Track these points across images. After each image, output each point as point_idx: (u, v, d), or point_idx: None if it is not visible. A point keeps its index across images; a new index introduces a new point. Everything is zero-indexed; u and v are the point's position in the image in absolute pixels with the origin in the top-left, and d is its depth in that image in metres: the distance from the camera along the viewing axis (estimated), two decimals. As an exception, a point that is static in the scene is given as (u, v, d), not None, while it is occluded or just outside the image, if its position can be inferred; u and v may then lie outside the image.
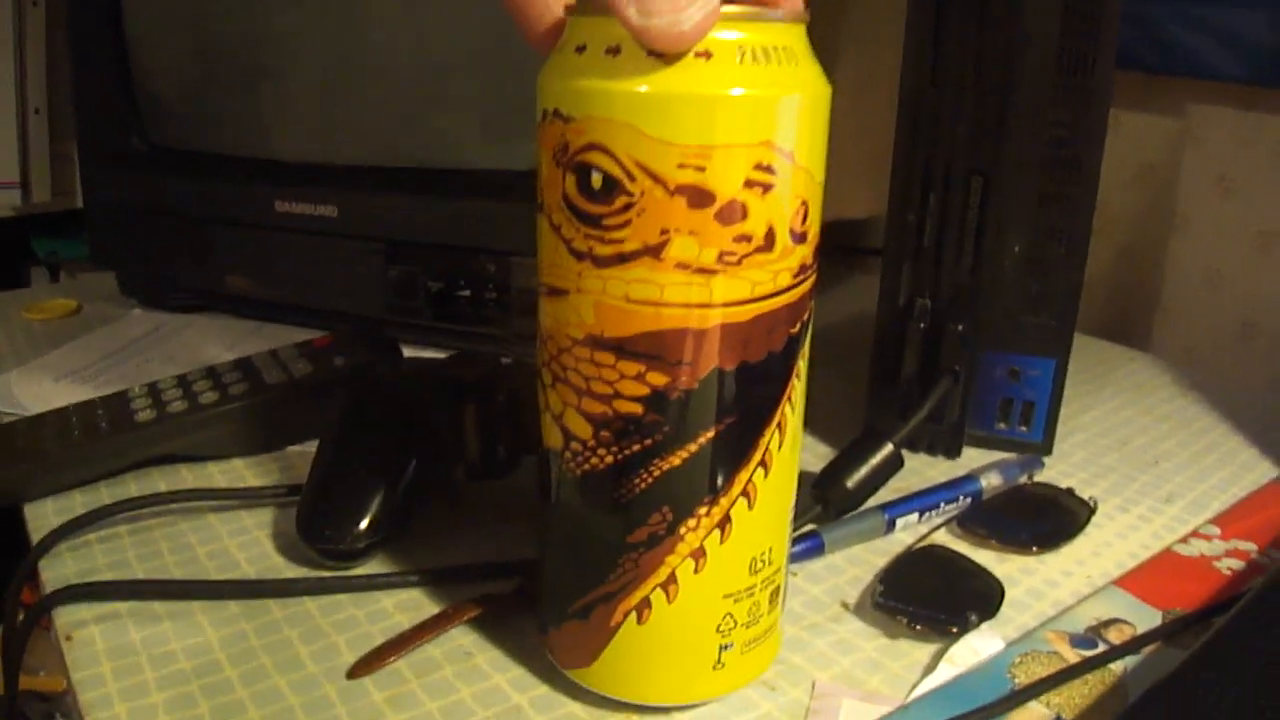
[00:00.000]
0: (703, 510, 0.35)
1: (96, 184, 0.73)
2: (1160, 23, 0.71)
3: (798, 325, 0.35)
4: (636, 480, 0.35)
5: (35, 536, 0.49)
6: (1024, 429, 0.57)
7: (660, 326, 0.33)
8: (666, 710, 0.39)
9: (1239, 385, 0.69)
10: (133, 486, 0.53)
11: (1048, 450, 0.57)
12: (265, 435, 0.55)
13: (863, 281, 0.57)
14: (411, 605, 0.44)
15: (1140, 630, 0.44)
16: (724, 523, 0.35)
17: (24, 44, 0.95)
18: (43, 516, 0.50)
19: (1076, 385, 0.67)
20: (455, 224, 0.60)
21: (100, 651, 0.41)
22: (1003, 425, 0.57)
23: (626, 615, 0.36)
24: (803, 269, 0.34)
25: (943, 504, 0.51)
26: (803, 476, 0.54)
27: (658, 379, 0.33)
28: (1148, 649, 0.43)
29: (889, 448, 0.51)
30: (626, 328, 0.33)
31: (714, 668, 0.37)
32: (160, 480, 0.54)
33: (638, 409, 0.34)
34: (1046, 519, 0.51)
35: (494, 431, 0.47)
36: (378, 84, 0.63)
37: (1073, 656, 0.42)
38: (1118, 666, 0.42)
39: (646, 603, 0.36)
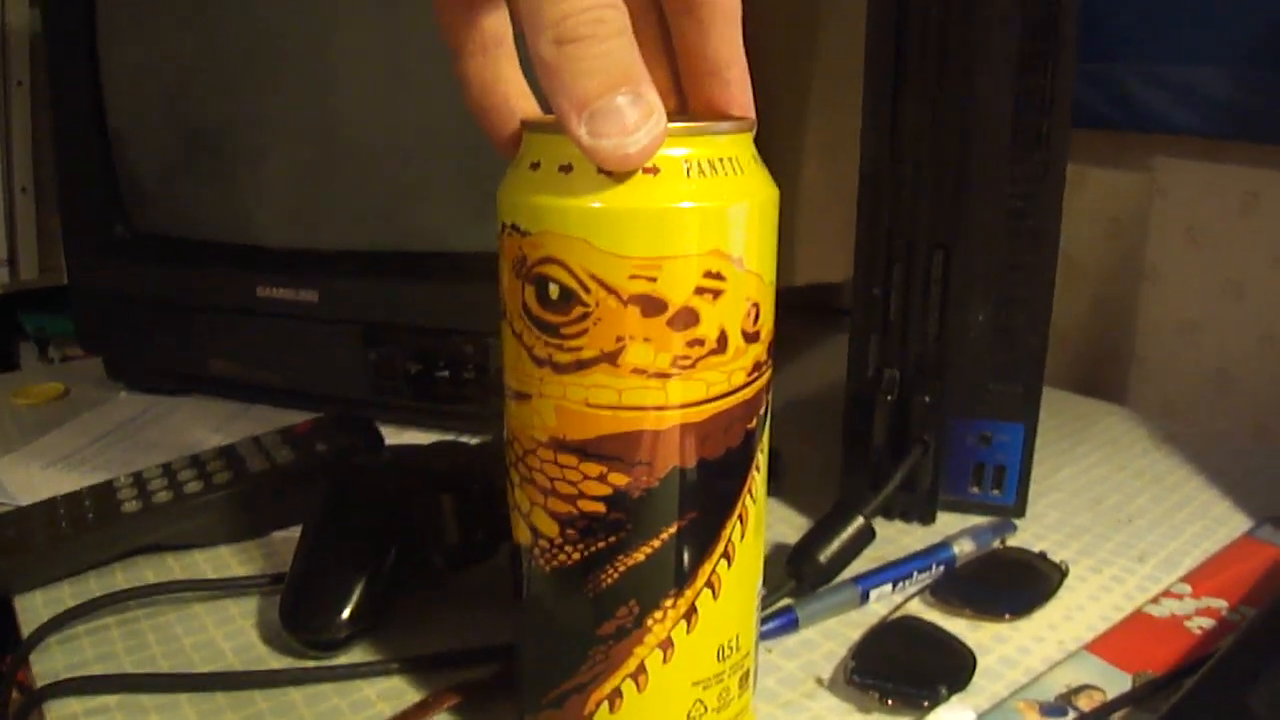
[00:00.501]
0: (669, 603, 0.36)
1: (81, 270, 0.75)
2: (1122, 80, 0.73)
3: (754, 420, 0.36)
4: (603, 575, 0.36)
5: (25, 629, 0.50)
6: (996, 493, 0.59)
7: (619, 429, 0.35)
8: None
9: (1214, 436, 0.71)
10: (119, 576, 0.54)
11: (1021, 512, 0.59)
12: (249, 522, 0.57)
13: (841, 342, 0.59)
14: (394, 694, 0.46)
15: (1110, 696, 0.45)
16: (690, 614, 0.37)
17: (9, 124, 0.97)
18: (32, 609, 0.52)
19: (1051, 443, 0.68)
20: (433, 306, 0.62)
21: (90, 747, 0.43)
22: (975, 489, 0.59)
23: (599, 705, 0.38)
24: (756, 366, 0.36)
25: (915, 573, 0.53)
26: (778, 549, 0.57)
27: (619, 479, 0.35)
28: (1117, 715, 0.44)
29: (860, 521, 0.52)
30: (588, 430, 0.35)
31: None
32: (147, 569, 0.55)
33: (601, 508, 0.35)
34: (1019, 585, 0.52)
35: (472, 518, 0.49)
36: (357, 170, 0.65)
37: (1043, 726, 0.43)
38: (1087, 735, 0.43)
39: (618, 693, 0.37)
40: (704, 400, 0.35)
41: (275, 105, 0.66)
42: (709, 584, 0.37)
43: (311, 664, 0.47)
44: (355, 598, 0.47)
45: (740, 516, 0.37)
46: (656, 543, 0.36)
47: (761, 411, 0.37)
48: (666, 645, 0.37)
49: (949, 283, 0.54)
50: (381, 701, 0.45)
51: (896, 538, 0.57)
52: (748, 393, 0.36)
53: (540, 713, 0.40)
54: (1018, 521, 0.58)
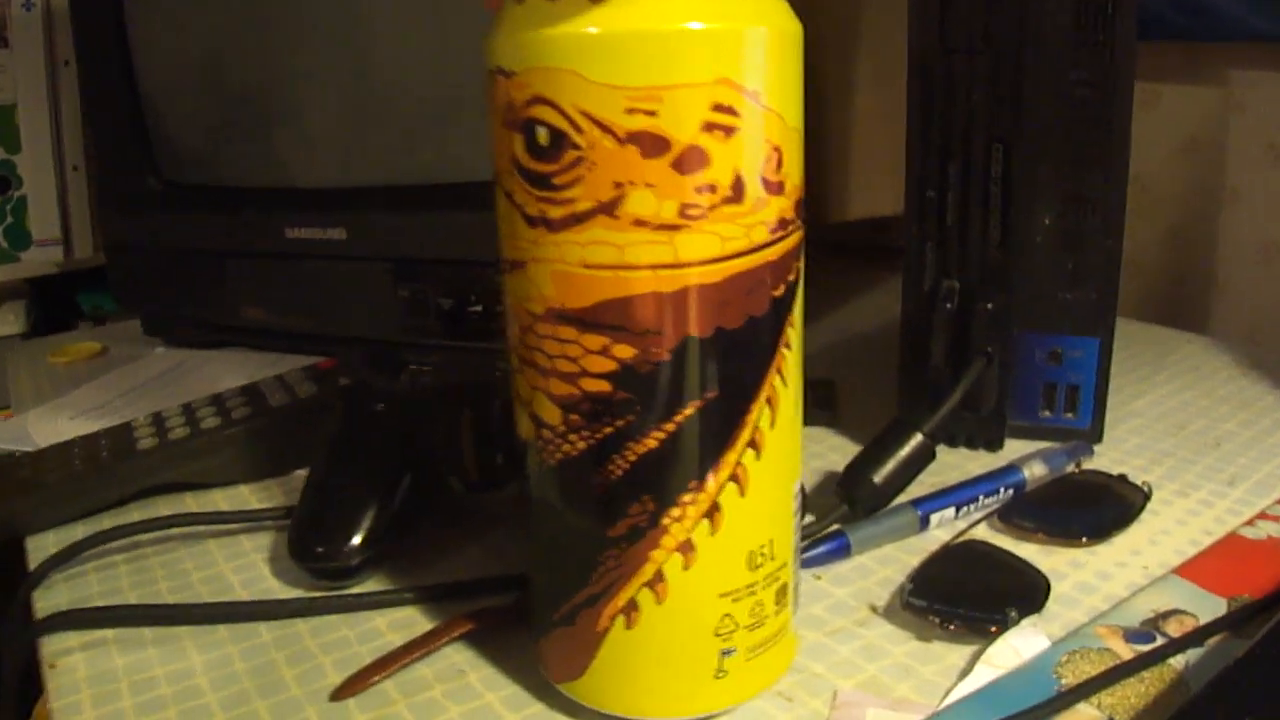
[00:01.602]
0: (687, 498, 0.31)
1: (114, 225, 0.72)
2: (1194, -13, 0.66)
3: (782, 287, 0.31)
4: (611, 467, 0.31)
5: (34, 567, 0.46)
6: (1070, 416, 0.52)
7: (622, 293, 0.29)
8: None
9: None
10: (135, 517, 0.50)
11: (1098, 437, 0.52)
12: (270, 458, 0.52)
13: (894, 282, 0.53)
14: (406, 624, 0.41)
15: (1203, 621, 0.39)
16: (713, 511, 0.31)
17: (59, 103, 0.95)
18: (43, 549, 0.48)
19: (1129, 371, 0.62)
20: (462, 239, 0.57)
21: (81, 679, 0.39)
22: (1047, 413, 0.52)
23: (614, 619, 0.33)
24: (783, 223, 0.30)
25: (982, 497, 0.46)
26: (829, 477, 0.51)
27: (625, 352, 0.30)
28: (1212, 640, 0.38)
29: (918, 438, 0.46)
30: (587, 297, 0.30)
31: (716, 676, 0.33)
32: (164, 509, 0.51)
33: (606, 387, 0.30)
34: (1097, 508, 0.46)
35: (491, 440, 0.44)
36: (381, 103, 0.61)
37: (1127, 653, 0.37)
38: (1178, 661, 0.37)
39: (634, 605, 0.32)
40: (719, 258, 0.29)
41: (299, 43, 0.62)
42: (734, 477, 0.31)
43: (322, 594, 0.42)
44: (366, 524, 0.43)
45: (769, 400, 0.31)
46: (670, 426, 0.30)
47: (791, 279, 0.31)
48: (687, 548, 0.31)
49: (1010, 181, 0.48)
50: (392, 632, 0.40)
51: (961, 464, 0.51)
52: (772, 253, 0.30)
53: (552, 632, 0.35)
54: (1095, 447, 0.52)
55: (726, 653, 0.33)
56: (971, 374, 0.48)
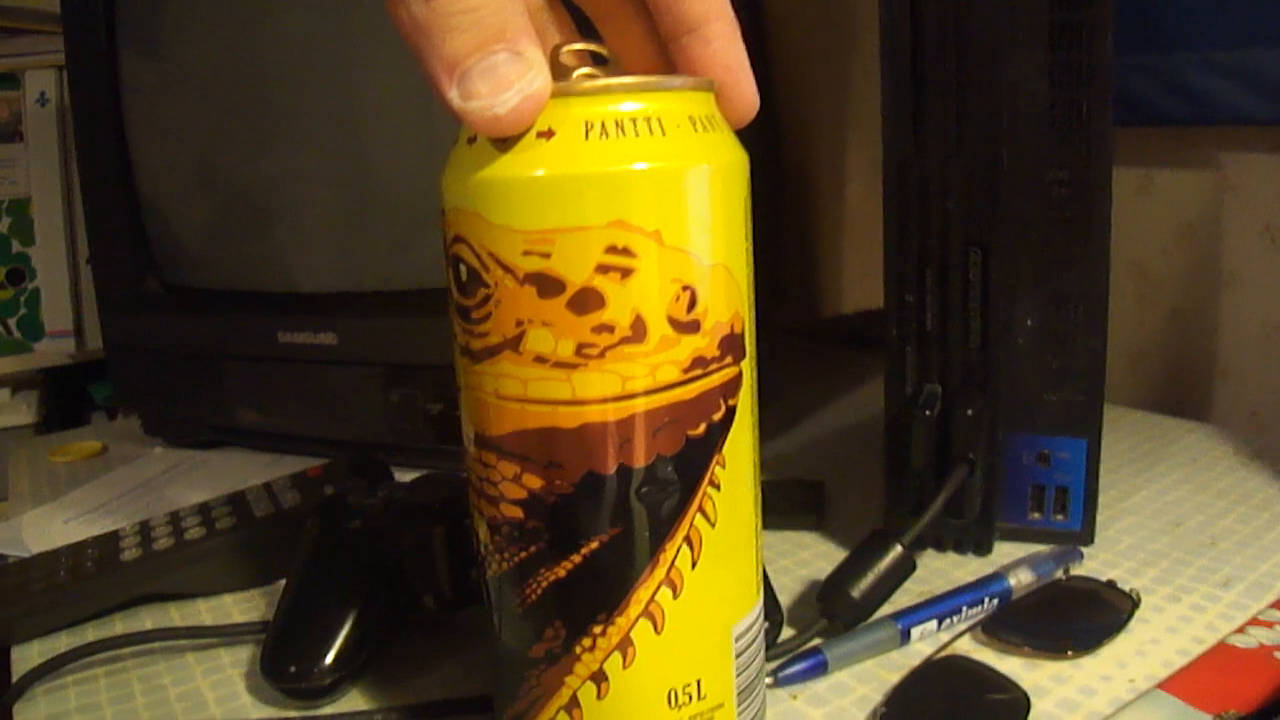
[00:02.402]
0: (597, 629, 0.31)
1: (115, 325, 0.73)
2: (1182, 72, 0.66)
3: (701, 425, 0.31)
4: (527, 590, 0.32)
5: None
6: (1060, 517, 0.51)
7: (526, 425, 0.30)
8: None
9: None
10: (119, 627, 0.50)
11: (1089, 539, 0.51)
12: (253, 569, 0.52)
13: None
14: (377, 747, 0.40)
15: (1188, 742, 0.38)
16: (624, 645, 0.31)
17: (72, 197, 0.97)
18: (27, 659, 0.48)
19: (1126, 464, 0.61)
20: (449, 344, 0.57)
21: (52, 800, 0.39)
22: (1037, 515, 0.52)
23: None
24: (699, 362, 0.30)
25: (965, 608, 0.46)
26: (813, 586, 0.50)
27: (533, 482, 0.30)
28: (1197, 763, 0.37)
29: (898, 550, 0.45)
30: (499, 425, 0.31)
31: None
32: (148, 620, 0.51)
33: (519, 513, 0.31)
34: (1084, 617, 0.45)
35: (465, 557, 0.43)
36: (373, 209, 0.61)
37: (1109, 778, 0.36)
38: (1162, 787, 0.36)
39: None
40: (619, 396, 0.29)
41: (293, 148, 0.63)
42: (647, 614, 0.31)
43: (295, 714, 0.42)
44: (339, 642, 0.42)
45: (688, 540, 0.31)
46: (577, 558, 0.31)
47: (717, 418, 0.31)
48: (600, 678, 0.31)
49: (989, 284, 0.48)
50: (363, 756, 0.40)
51: (948, 571, 0.50)
52: (684, 392, 0.30)
53: None
54: (1085, 550, 0.51)
55: None
56: (953, 483, 0.47)
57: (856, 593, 0.44)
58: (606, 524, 0.30)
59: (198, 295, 0.70)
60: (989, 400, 0.48)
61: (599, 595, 0.31)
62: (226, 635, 0.47)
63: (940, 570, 0.50)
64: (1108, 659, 0.43)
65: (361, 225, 0.62)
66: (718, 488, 0.31)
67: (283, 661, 0.42)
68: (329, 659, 0.42)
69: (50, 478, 0.72)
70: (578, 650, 0.31)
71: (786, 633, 0.45)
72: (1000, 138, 0.47)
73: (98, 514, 0.63)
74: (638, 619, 0.31)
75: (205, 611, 0.51)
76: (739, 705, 0.34)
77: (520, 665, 0.33)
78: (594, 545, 0.31)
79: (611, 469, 0.30)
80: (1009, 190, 0.47)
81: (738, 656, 0.33)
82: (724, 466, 0.32)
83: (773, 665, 0.42)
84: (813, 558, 0.53)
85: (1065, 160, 0.48)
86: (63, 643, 0.49)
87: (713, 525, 0.31)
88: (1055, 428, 0.50)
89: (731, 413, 0.32)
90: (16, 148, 0.98)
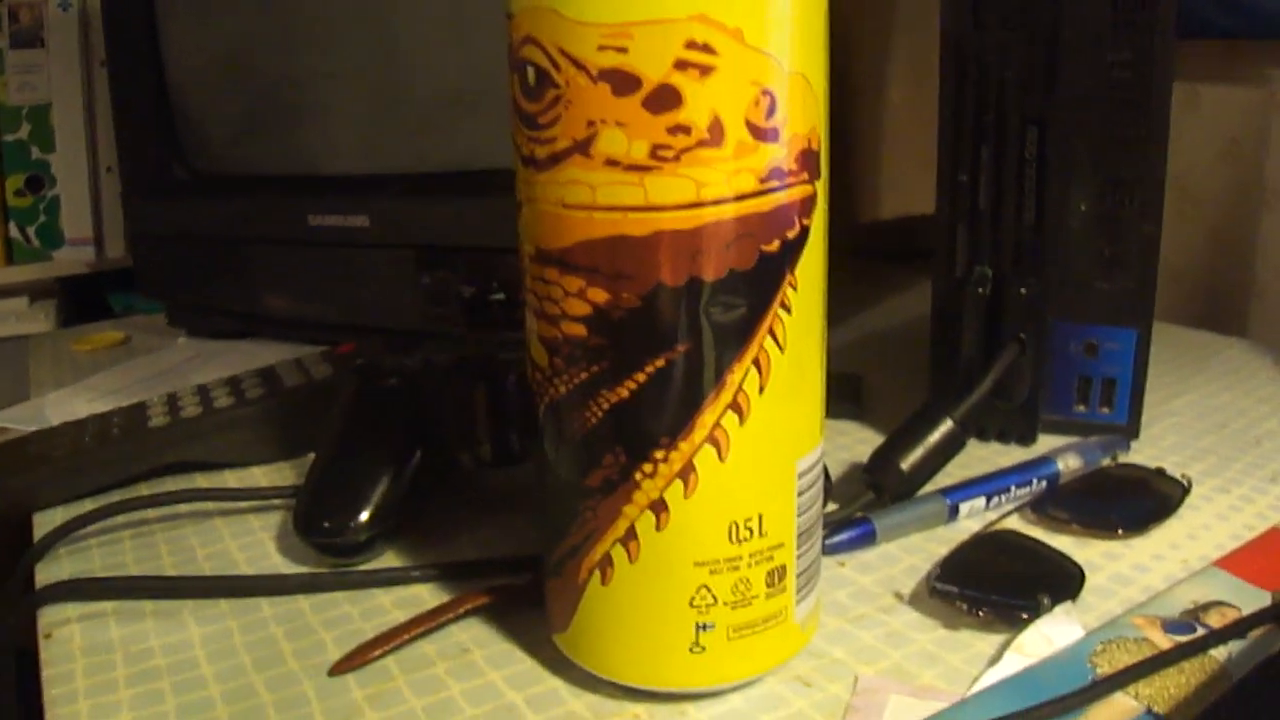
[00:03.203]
0: (659, 454, 0.29)
1: (139, 213, 0.71)
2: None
3: (776, 242, 0.29)
4: (587, 414, 0.30)
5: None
6: (1106, 410, 0.50)
7: (595, 234, 0.28)
8: (674, 699, 0.33)
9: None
10: (144, 493, 0.49)
11: (1134, 433, 0.50)
12: (283, 440, 0.50)
13: (926, 284, 0.50)
14: (412, 603, 0.39)
15: (1246, 613, 0.36)
16: (687, 472, 0.30)
17: (93, 105, 0.95)
18: (50, 524, 0.46)
19: (1167, 373, 0.59)
20: (484, 226, 0.56)
21: (76, 649, 0.37)
22: (1082, 408, 0.50)
23: (591, 573, 0.31)
24: (775, 173, 0.28)
25: (1014, 488, 0.44)
26: (855, 468, 0.48)
27: (598, 295, 0.29)
28: (1256, 633, 0.35)
29: (948, 424, 0.44)
30: (564, 237, 0.29)
31: (691, 650, 0.31)
32: (174, 488, 0.49)
33: (582, 330, 0.29)
34: (1134, 501, 0.43)
35: (506, 416, 0.42)
36: (405, 91, 0.60)
37: (1166, 643, 0.35)
38: (1220, 653, 0.34)
39: (609, 560, 0.31)
40: (693, 204, 0.28)
41: (324, 33, 0.61)
42: (712, 439, 0.29)
43: (325, 571, 0.41)
44: (375, 500, 0.41)
45: (756, 362, 0.29)
46: (641, 377, 0.29)
47: (791, 236, 0.29)
48: (659, 507, 0.30)
49: (1045, 163, 0.46)
50: (398, 610, 0.38)
51: (992, 459, 0.49)
52: (761, 204, 0.28)
53: (549, 581, 0.34)
54: (1131, 444, 0.49)
55: (703, 627, 0.31)
56: (1004, 360, 0.46)
57: (906, 465, 0.43)
58: (674, 341, 0.29)
59: (226, 181, 0.68)
60: (1042, 281, 0.46)
61: (663, 418, 0.29)
62: (256, 499, 0.46)
63: (984, 459, 0.49)
64: (1159, 540, 0.41)
65: (394, 107, 0.60)
66: (788, 311, 0.30)
67: (317, 517, 0.41)
68: (365, 515, 0.40)
69: (73, 366, 0.71)
70: (638, 477, 0.30)
71: (831, 508, 0.44)
72: (1062, 14, 0.45)
73: (121, 396, 0.61)
74: (702, 444, 0.29)
75: (233, 481, 0.50)
76: (799, 547, 0.32)
77: (575, 497, 0.31)
78: (659, 364, 0.29)
79: (681, 281, 0.28)
80: (1068, 69, 0.45)
81: (800, 495, 0.32)
82: (796, 289, 0.30)
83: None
84: (853, 443, 0.51)
85: (1127, 41, 0.46)
86: (86, 508, 0.47)
87: (782, 350, 0.30)
88: (1105, 317, 0.48)
89: (805, 233, 0.30)
90: (38, 53, 0.96)
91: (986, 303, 0.47)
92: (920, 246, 0.72)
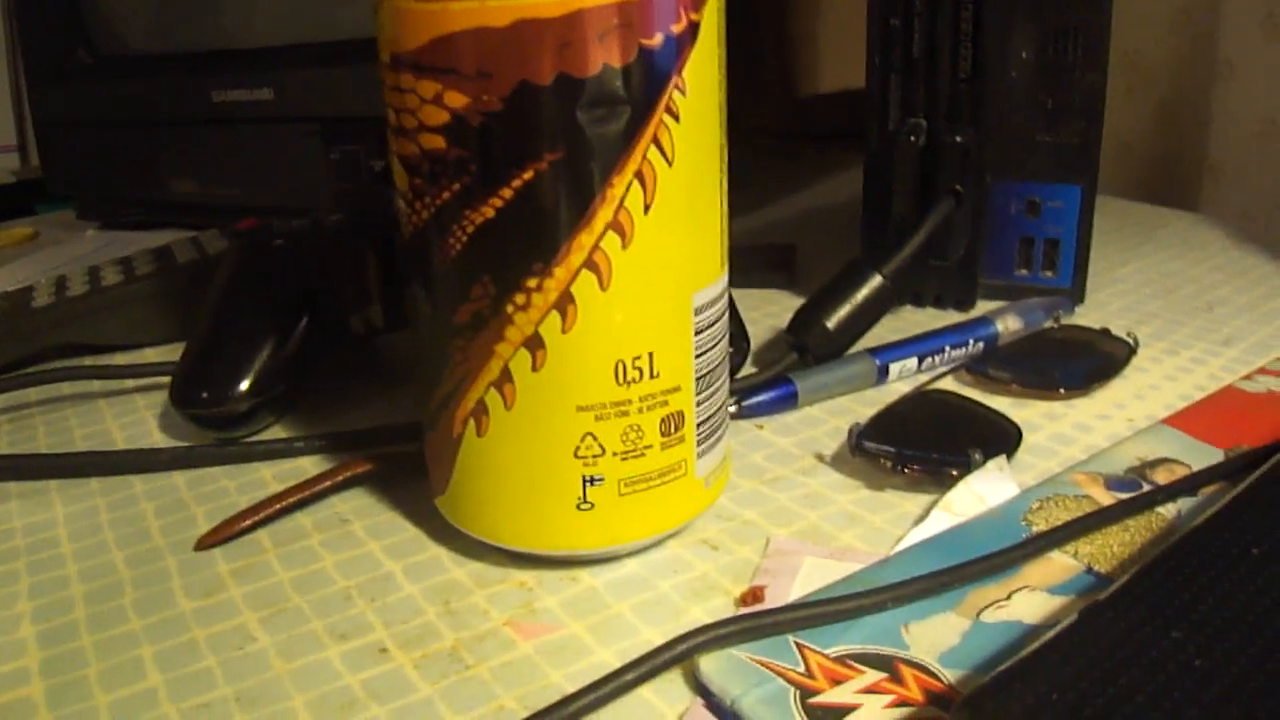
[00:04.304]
0: (532, 283, 0.25)
1: (45, 103, 0.66)
2: None
3: (659, 36, 0.24)
4: (451, 240, 0.26)
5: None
6: (1049, 274, 0.46)
7: (449, 28, 0.24)
8: (564, 565, 0.29)
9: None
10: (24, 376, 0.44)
11: (1079, 298, 0.46)
12: (174, 318, 0.46)
13: (861, 164, 0.46)
14: (296, 476, 0.34)
15: (1197, 469, 0.32)
16: (564, 304, 0.25)
17: (12, 9, 0.88)
18: (-74, 412, 0.42)
19: (1113, 242, 0.55)
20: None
21: (-70, 532, 0.33)
22: (1023, 271, 0.46)
23: (465, 424, 0.27)
24: None
25: (948, 349, 0.40)
26: (780, 334, 0.44)
27: (456, 99, 0.24)
28: (1207, 490, 0.31)
29: (877, 279, 0.40)
30: (419, 35, 0.24)
31: (579, 507, 0.27)
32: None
33: (440, 142, 0.25)
34: (1077, 361, 0.40)
35: (398, 276, 0.37)
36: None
37: (1109, 501, 0.31)
38: (1168, 510, 0.30)
39: (483, 407, 0.27)
40: None
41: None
42: (591, 264, 0.25)
43: (202, 444, 0.36)
44: (256, 367, 0.36)
45: (640, 175, 0.25)
46: (507, 192, 0.25)
47: (676, 29, 0.25)
48: (535, 344, 0.26)
49: (983, 6, 0.41)
50: (278, 484, 0.34)
51: (929, 323, 0.44)
52: None
53: (426, 439, 0.29)
54: (1076, 308, 0.45)
55: (591, 480, 0.27)
56: (939, 214, 0.41)
57: (831, 323, 0.39)
58: (543, 148, 0.24)
59: (130, 62, 0.62)
60: (979, 131, 0.42)
61: (534, 240, 0.25)
62: (139, 375, 0.41)
63: (920, 324, 0.44)
64: (1104, 400, 0.38)
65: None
66: (676, 118, 0.25)
67: (193, 388, 0.36)
68: (245, 384, 0.36)
69: (-22, 261, 0.66)
70: (509, 310, 0.25)
71: (750, 371, 0.40)
72: None
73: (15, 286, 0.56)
74: (579, 270, 0.25)
75: (122, 361, 0.45)
76: (698, 393, 0.28)
77: (444, 338, 0.27)
78: (528, 176, 0.24)
79: (549, 79, 0.24)
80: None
81: (698, 334, 0.27)
82: (684, 93, 0.25)
83: (736, 395, 0.36)
84: (781, 310, 0.47)
85: None
86: (-33, 393, 0.43)
87: (670, 163, 0.25)
88: (1047, 173, 0.44)
89: (694, 29, 0.25)
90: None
91: (920, 155, 0.42)
92: (861, 124, 0.68)
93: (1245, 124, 0.61)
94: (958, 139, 0.41)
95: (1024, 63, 0.43)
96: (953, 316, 0.46)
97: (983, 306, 0.46)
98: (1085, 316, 0.45)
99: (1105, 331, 0.41)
